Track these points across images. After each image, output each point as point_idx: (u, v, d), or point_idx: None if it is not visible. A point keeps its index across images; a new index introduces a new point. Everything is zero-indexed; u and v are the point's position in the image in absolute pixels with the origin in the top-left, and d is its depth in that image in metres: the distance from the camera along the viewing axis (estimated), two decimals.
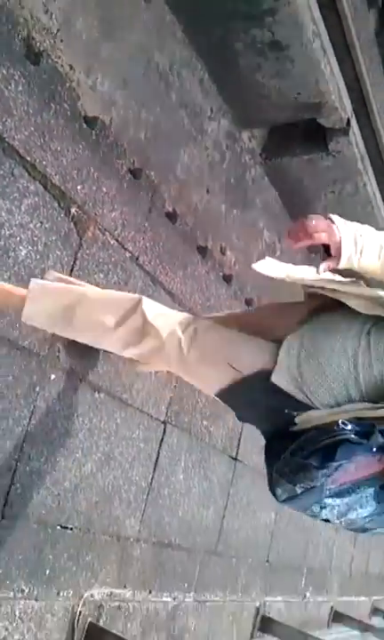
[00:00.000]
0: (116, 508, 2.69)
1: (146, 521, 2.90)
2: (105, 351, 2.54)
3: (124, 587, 2.74)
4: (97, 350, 2.50)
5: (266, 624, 4.10)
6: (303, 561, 5.10)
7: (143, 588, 2.89)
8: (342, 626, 5.95)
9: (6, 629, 2.05)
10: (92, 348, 2.46)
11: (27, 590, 2.19)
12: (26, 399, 2.18)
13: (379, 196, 3.95)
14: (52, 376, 2.30)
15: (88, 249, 2.46)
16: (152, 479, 2.93)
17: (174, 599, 3.11)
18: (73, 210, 2.39)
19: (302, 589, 5.15)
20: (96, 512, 2.56)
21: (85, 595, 2.47)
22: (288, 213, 4.23)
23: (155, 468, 2.95)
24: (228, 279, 3.54)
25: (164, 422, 3.00)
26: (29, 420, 2.21)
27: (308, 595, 5.27)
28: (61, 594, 2.36)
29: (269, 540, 4.32)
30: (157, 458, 2.97)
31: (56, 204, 2.30)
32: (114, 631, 2.47)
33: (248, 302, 3.77)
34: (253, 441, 3.87)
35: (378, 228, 1.69)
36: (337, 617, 5.90)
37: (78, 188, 2.41)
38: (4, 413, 2.11)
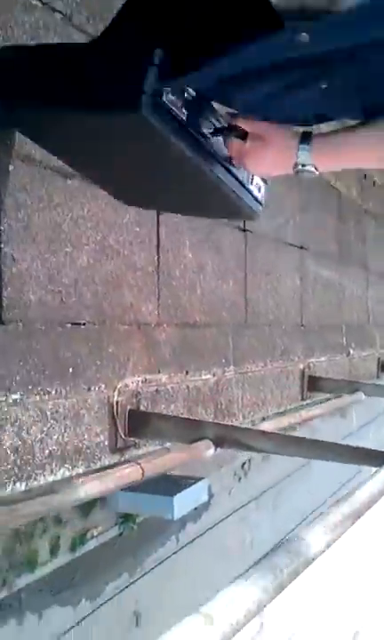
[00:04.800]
0: (127, 296, 2.55)
1: (163, 304, 2.77)
2: None
3: (158, 372, 2.67)
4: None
5: (314, 383, 4.13)
6: (340, 319, 5.07)
7: (179, 370, 2.82)
8: None
9: (42, 431, 1.98)
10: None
11: (53, 391, 2.10)
12: None
13: None
14: (10, 167, 2.05)
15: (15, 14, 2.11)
16: (158, 262, 2.76)
17: (214, 375, 3.07)
18: None
19: (345, 347, 5.17)
20: (106, 303, 2.42)
21: (119, 385, 2.39)
22: None
23: (158, 251, 2.77)
24: None
25: None
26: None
27: (351, 351, 5.31)
28: (93, 388, 2.28)
29: (299, 304, 4.24)
30: (158, 240, 2.78)
31: None
32: (156, 412, 2.42)
33: None
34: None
35: None
36: None
37: None
38: None
